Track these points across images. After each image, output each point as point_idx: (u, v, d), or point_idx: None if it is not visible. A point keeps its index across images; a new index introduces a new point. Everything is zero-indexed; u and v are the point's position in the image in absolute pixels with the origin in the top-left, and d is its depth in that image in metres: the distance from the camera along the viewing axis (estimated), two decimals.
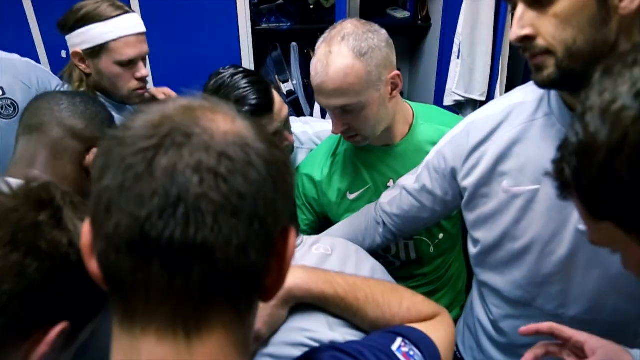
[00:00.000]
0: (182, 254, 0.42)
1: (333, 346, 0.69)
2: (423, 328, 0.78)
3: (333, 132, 1.25)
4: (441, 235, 1.41)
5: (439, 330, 0.80)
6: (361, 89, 1.14)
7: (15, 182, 0.90)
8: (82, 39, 1.44)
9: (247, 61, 2.45)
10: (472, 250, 1.08)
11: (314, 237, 1.08)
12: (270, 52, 2.74)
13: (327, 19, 2.56)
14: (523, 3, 0.77)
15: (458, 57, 2.18)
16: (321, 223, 1.48)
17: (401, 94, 2.94)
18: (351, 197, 1.38)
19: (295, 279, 0.79)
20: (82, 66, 1.48)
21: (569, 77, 0.77)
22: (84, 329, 0.66)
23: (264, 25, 2.61)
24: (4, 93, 1.57)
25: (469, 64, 2.14)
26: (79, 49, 1.45)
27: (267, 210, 0.45)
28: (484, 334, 1.14)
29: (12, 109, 1.49)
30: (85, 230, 0.48)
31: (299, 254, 0.97)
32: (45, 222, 0.61)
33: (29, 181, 0.65)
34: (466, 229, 1.11)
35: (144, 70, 1.51)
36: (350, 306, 0.80)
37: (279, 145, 0.50)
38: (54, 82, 1.63)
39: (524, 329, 0.84)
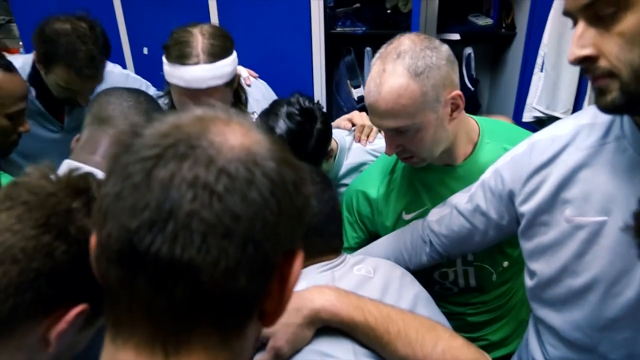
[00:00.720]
0: (167, 271, 0.41)
1: None
2: None
3: (386, 153, 1.18)
4: (505, 263, 1.30)
5: None
6: (415, 110, 1.06)
7: (75, 164, 0.95)
8: (164, 68, 1.44)
9: (318, 64, 2.43)
10: (528, 282, 0.99)
11: (357, 257, 1.04)
12: (343, 56, 2.70)
13: (403, 24, 2.51)
14: (583, 20, 0.67)
15: (541, 70, 2.02)
16: (372, 241, 1.42)
17: (479, 106, 2.81)
18: (407, 217, 1.30)
19: (324, 300, 0.77)
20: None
21: (636, 102, 0.68)
22: (100, 313, 0.68)
23: (339, 29, 2.57)
24: None
25: (553, 77, 1.98)
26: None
27: (265, 233, 0.43)
28: None
29: None
30: (93, 236, 0.48)
31: (339, 274, 0.95)
32: (77, 209, 0.64)
33: (72, 170, 0.69)
34: None
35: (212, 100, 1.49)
36: (380, 338, 0.77)
37: (295, 163, 0.47)
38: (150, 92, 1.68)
39: None
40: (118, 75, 1.69)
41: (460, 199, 1.11)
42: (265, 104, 1.59)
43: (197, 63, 1.36)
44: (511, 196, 0.96)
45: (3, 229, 0.60)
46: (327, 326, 0.79)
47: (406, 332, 0.78)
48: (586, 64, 0.69)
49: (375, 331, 0.77)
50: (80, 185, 0.67)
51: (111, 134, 1.09)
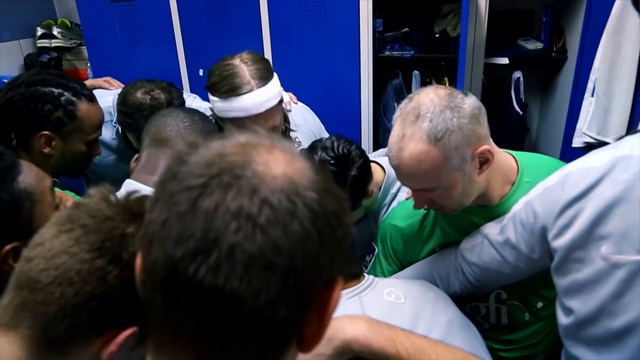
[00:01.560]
0: (210, 299, 0.41)
1: None
2: None
3: (415, 206, 1.15)
4: (540, 304, 1.25)
5: None
6: (439, 174, 1.02)
7: (135, 185, 1.00)
8: (212, 104, 1.50)
9: (366, 87, 2.48)
10: (563, 319, 0.95)
11: (387, 280, 1.03)
12: (391, 79, 2.74)
13: (451, 48, 2.51)
14: None
15: (592, 95, 1.97)
16: None
17: (527, 130, 2.75)
18: None
19: (355, 331, 0.76)
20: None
21: None
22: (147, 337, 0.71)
23: (387, 53, 2.62)
24: None
25: (605, 103, 1.92)
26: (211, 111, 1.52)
27: (306, 265, 0.43)
28: None
29: None
30: (138, 258, 0.50)
31: (367, 299, 0.93)
32: (131, 235, 0.65)
33: (130, 193, 0.70)
34: None
35: (270, 124, 1.48)
36: None
37: (338, 193, 0.47)
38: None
39: None
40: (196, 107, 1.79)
41: (492, 230, 1.09)
42: (305, 128, 1.62)
43: (251, 90, 1.40)
44: (543, 231, 0.94)
45: (62, 251, 0.62)
46: (358, 357, 0.78)
47: None
48: None
49: None
50: (135, 209, 0.68)
51: (169, 154, 1.12)
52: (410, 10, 2.66)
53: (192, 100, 1.84)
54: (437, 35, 2.63)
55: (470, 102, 1.04)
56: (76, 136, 1.32)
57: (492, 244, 1.07)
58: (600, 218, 0.84)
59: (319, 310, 0.47)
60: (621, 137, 0.93)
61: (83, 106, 1.30)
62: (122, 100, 1.59)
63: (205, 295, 0.41)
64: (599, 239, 0.84)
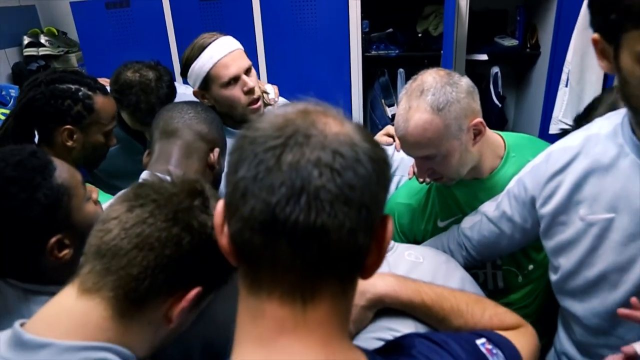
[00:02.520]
0: (304, 234, 0.49)
1: (419, 334, 0.75)
2: (506, 334, 0.80)
3: (418, 176, 1.30)
4: (531, 267, 1.41)
5: (521, 339, 0.81)
6: (440, 141, 1.17)
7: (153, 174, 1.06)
8: (193, 79, 1.55)
9: (356, 85, 2.63)
10: (553, 277, 1.10)
11: (405, 245, 1.13)
12: (378, 77, 2.90)
13: (434, 46, 2.69)
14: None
15: (566, 86, 2.16)
16: None
17: (506, 121, 2.94)
18: (441, 224, 1.42)
19: (386, 286, 0.84)
20: (205, 101, 1.55)
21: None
22: (207, 297, 0.78)
23: (374, 52, 2.78)
24: None
25: (578, 92, 2.11)
26: (195, 89, 1.56)
27: (371, 200, 0.52)
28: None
29: None
30: (217, 212, 0.57)
31: (392, 259, 1.01)
32: (197, 207, 0.74)
33: (185, 175, 0.80)
34: None
35: (250, 82, 1.52)
36: (436, 314, 0.84)
37: (379, 144, 0.57)
38: None
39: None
40: (190, 96, 1.86)
41: (489, 207, 1.23)
42: None
43: (218, 38, 1.52)
44: (533, 201, 1.08)
45: (139, 222, 0.70)
46: (389, 308, 0.86)
47: (458, 307, 0.85)
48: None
49: (432, 309, 0.84)
50: (196, 187, 0.77)
51: (179, 144, 1.20)
52: (394, 12, 2.83)
53: (185, 89, 1.89)
54: (419, 35, 2.80)
55: (466, 81, 1.21)
56: (95, 128, 1.39)
57: (490, 219, 1.21)
58: (577, 187, 0.98)
59: (377, 242, 0.56)
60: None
61: (99, 99, 1.38)
62: (114, 80, 1.68)
63: (301, 231, 0.49)
64: (576, 204, 0.99)
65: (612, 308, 0.96)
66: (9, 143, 1.01)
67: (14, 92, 2.95)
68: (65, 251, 0.92)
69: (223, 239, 0.57)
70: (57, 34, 3.24)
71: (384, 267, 0.99)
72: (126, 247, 0.69)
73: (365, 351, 0.61)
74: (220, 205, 0.57)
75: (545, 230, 1.07)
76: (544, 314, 1.51)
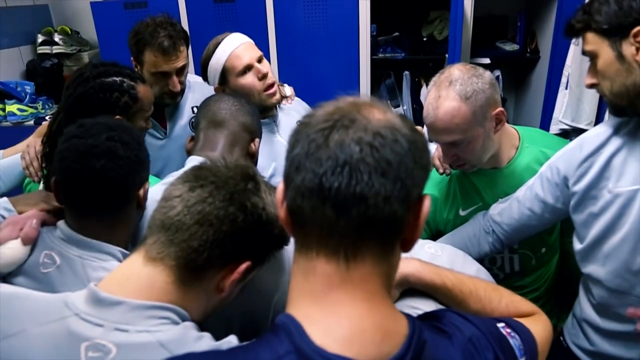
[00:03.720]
0: (346, 200, 0.57)
1: (450, 309, 0.83)
2: (522, 321, 0.86)
3: (443, 161, 1.41)
4: (543, 249, 1.53)
5: (536, 325, 0.87)
6: (467, 127, 1.28)
7: (202, 159, 1.14)
8: (212, 77, 1.66)
9: (365, 86, 2.74)
10: (578, 246, 1.24)
11: (424, 240, 1.20)
12: (384, 79, 3.01)
13: (438, 50, 2.82)
14: (590, 62, 1.13)
15: (566, 88, 2.29)
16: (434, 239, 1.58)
17: (507, 122, 3.06)
18: (463, 213, 1.51)
19: (411, 268, 0.91)
20: None
21: (622, 110, 1.11)
22: (254, 271, 0.86)
23: (380, 55, 2.89)
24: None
25: (577, 94, 2.24)
26: (216, 85, 1.66)
27: (407, 175, 0.59)
28: (588, 324, 1.28)
29: None
30: (280, 187, 0.65)
31: (413, 250, 1.11)
32: (250, 190, 0.82)
33: (236, 160, 0.89)
34: (565, 244, 1.26)
35: (262, 69, 1.63)
36: (455, 297, 0.90)
37: (420, 131, 0.65)
38: None
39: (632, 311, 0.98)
40: (203, 83, 1.95)
41: (520, 192, 1.36)
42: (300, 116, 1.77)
43: (228, 35, 1.65)
44: (565, 181, 1.23)
45: (200, 200, 0.78)
46: (412, 288, 0.93)
47: (477, 292, 0.91)
48: (595, 88, 1.13)
49: (451, 291, 0.90)
50: (249, 172, 0.85)
51: (226, 134, 1.30)
52: (400, 16, 2.94)
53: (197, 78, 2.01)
54: (424, 39, 2.92)
55: (489, 74, 1.33)
56: (139, 115, 1.45)
57: (521, 202, 1.34)
58: (607, 164, 1.15)
59: (415, 216, 0.63)
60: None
61: (141, 88, 1.43)
62: (131, 34, 1.82)
63: (343, 196, 0.57)
64: (606, 179, 1.15)
65: (631, 268, 1.12)
66: (62, 136, 1.09)
67: (29, 88, 3.04)
68: (144, 202, 1.10)
69: (282, 212, 0.65)
70: (70, 32, 3.32)
71: (406, 255, 1.07)
72: (188, 223, 0.77)
73: (404, 314, 0.68)
74: (281, 183, 0.65)
75: (576, 205, 1.22)
76: (553, 297, 1.65)
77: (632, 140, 1.13)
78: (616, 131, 1.17)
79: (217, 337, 0.76)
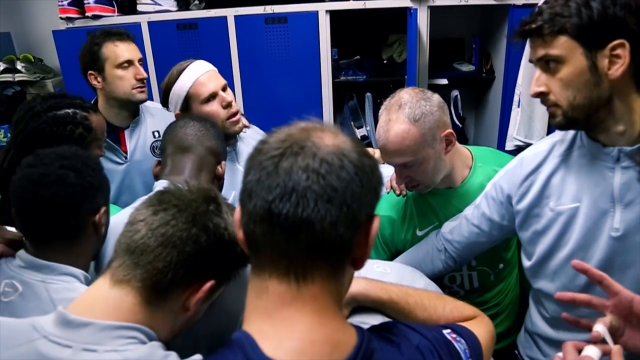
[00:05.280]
0: (294, 225, 0.61)
1: (397, 321, 0.87)
2: (466, 325, 0.90)
3: (397, 183, 1.45)
4: (501, 265, 1.57)
5: (479, 327, 0.91)
6: (417, 149, 1.32)
7: (169, 184, 1.18)
8: (174, 103, 1.67)
9: (327, 108, 2.79)
10: (527, 263, 1.27)
11: (374, 260, 1.24)
12: (347, 101, 3.08)
13: (398, 72, 2.89)
14: (539, 68, 1.06)
15: (518, 106, 2.38)
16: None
17: (466, 140, 3.16)
18: (420, 233, 1.54)
19: (358, 287, 0.94)
20: None
21: (575, 123, 1.06)
22: (219, 289, 0.89)
23: (342, 78, 2.96)
24: (159, 135, 1.93)
25: (529, 112, 2.33)
26: (177, 111, 1.67)
27: (354, 199, 0.63)
28: (540, 337, 1.31)
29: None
30: (237, 211, 0.69)
31: (363, 270, 1.10)
32: (212, 211, 0.85)
33: (199, 184, 0.93)
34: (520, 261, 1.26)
35: (227, 97, 1.65)
36: (402, 309, 0.94)
37: (370, 155, 0.69)
38: None
39: (559, 294, 0.96)
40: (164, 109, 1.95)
41: (468, 210, 1.40)
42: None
43: (192, 62, 1.67)
44: (509, 199, 1.26)
45: (164, 223, 0.81)
46: (361, 306, 0.96)
47: (422, 302, 0.95)
48: (541, 97, 1.06)
49: (398, 304, 0.94)
50: (211, 194, 0.89)
51: (193, 159, 1.33)
52: (360, 40, 3.02)
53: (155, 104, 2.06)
54: (385, 62, 3.00)
55: (437, 97, 1.38)
56: (94, 144, 1.47)
57: (470, 220, 1.37)
58: (546, 183, 1.17)
59: (365, 237, 0.67)
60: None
61: (93, 118, 1.45)
62: (84, 50, 1.95)
63: (291, 222, 0.61)
64: (547, 197, 1.18)
65: (579, 282, 1.13)
66: (14, 173, 1.08)
67: None
68: (102, 227, 1.11)
69: (240, 233, 0.68)
70: (33, 60, 3.30)
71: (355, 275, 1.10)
72: (153, 245, 0.80)
73: (354, 326, 0.71)
74: (238, 207, 0.68)
75: (521, 223, 1.24)
76: (514, 311, 1.68)
77: (568, 159, 1.15)
78: (553, 149, 1.19)
79: (185, 355, 0.77)
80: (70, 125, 1.39)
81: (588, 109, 1.01)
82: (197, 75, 1.64)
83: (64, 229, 1.05)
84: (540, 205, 1.19)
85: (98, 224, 1.10)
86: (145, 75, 1.88)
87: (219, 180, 1.37)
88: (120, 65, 1.84)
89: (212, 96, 1.63)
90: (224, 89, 1.67)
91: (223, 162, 1.39)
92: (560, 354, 0.84)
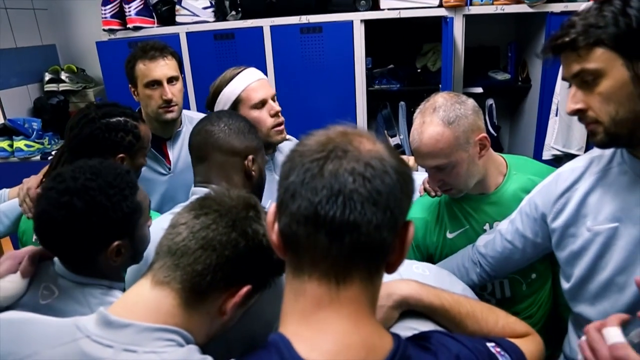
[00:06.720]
0: (339, 227, 0.61)
1: (437, 330, 0.86)
2: (514, 341, 0.87)
3: (430, 186, 1.45)
4: (534, 275, 1.54)
5: (528, 345, 0.89)
6: (450, 151, 1.31)
7: (205, 190, 1.18)
8: (222, 103, 1.68)
9: (361, 117, 2.81)
10: (565, 285, 1.21)
11: (411, 260, 1.21)
12: (380, 110, 3.09)
13: (432, 81, 2.89)
14: (575, 85, 0.99)
15: (556, 115, 2.35)
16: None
17: (501, 149, 3.12)
18: (450, 236, 1.53)
19: (411, 289, 0.92)
20: None
21: (618, 140, 0.98)
22: (254, 295, 0.90)
23: (376, 87, 2.97)
24: None
25: (567, 120, 2.29)
26: None
27: (395, 204, 0.64)
28: None
29: None
30: (270, 212, 0.69)
31: (402, 270, 1.08)
32: (251, 217, 0.87)
33: (240, 191, 0.94)
34: (556, 272, 1.22)
35: (276, 106, 1.69)
36: (453, 318, 0.91)
37: (405, 162, 0.69)
38: None
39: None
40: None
41: (503, 225, 1.36)
42: None
43: (246, 69, 1.70)
44: (544, 217, 1.22)
45: (204, 226, 0.83)
46: (411, 310, 0.93)
47: (473, 313, 0.92)
48: (579, 114, 0.98)
49: (449, 313, 0.91)
50: (250, 201, 0.91)
51: (210, 167, 1.29)
52: (394, 49, 3.04)
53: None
54: (419, 70, 3.00)
55: (472, 101, 1.38)
56: (140, 153, 1.52)
57: (504, 235, 1.34)
58: (583, 201, 1.12)
59: (400, 242, 0.68)
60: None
61: (142, 127, 1.51)
62: (126, 66, 1.96)
63: (336, 224, 0.61)
64: (584, 217, 1.11)
65: (621, 309, 1.05)
66: None
67: (36, 124, 3.14)
68: (119, 257, 1.05)
69: (273, 235, 0.69)
70: (76, 70, 3.43)
71: (395, 277, 1.05)
72: (193, 247, 0.82)
73: (390, 332, 0.71)
74: (272, 207, 0.69)
75: (557, 243, 1.19)
76: (548, 325, 1.62)
77: (606, 175, 1.09)
78: (591, 165, 1.14)
79: None
80: (122, 133, 1.45)
81: (632, 123, 0.94)
82: (250, 81, 1.68)
83: (73, 255, 1.06)
84: (576, 224, 1.13)
85: (111, 256, 1.05)
86: (170, 96, 1.89)
87: (249, 177, 1.32)
88: (148, 85, 1.90)
89: (262, 103, 1.67)
90: (273, 99, 1.71)
91: (250, 156, 1.32)
92: (584, 338, 0.83)
